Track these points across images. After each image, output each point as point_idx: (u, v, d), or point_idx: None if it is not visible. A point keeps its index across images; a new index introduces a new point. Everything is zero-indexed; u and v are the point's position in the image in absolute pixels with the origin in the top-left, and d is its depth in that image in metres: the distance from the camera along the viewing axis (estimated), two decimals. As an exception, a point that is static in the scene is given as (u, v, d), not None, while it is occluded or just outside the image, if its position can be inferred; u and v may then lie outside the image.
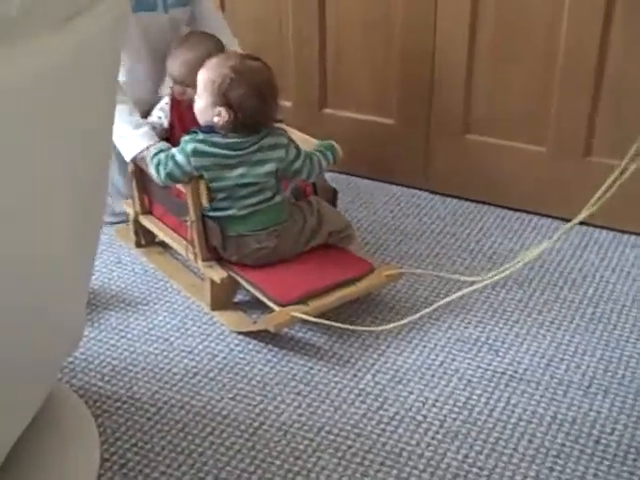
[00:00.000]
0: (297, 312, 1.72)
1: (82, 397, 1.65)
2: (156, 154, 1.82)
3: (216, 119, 1.77)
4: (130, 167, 2.01)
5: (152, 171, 1.82)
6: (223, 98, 1.75)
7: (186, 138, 1.79)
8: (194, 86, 1.88)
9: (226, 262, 1.87)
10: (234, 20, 2.35)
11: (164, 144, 1.88)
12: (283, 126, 1.88)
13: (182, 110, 2.01)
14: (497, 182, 2.32)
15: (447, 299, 1.79)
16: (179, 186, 1.85)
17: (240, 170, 1.79)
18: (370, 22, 2.31)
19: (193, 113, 1.98)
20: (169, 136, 2.01)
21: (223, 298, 1.90)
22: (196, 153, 1.76)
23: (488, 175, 2.32)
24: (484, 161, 2.32)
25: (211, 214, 1.83)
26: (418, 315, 1.79)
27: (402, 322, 1.77)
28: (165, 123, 2.01)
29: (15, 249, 1.10)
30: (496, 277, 1.81)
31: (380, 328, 1.77)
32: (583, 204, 1.79)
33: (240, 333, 1.83)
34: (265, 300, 1.79)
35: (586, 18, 2.02)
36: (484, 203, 2.35)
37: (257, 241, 1.82)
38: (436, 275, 1.98)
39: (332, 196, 2.01)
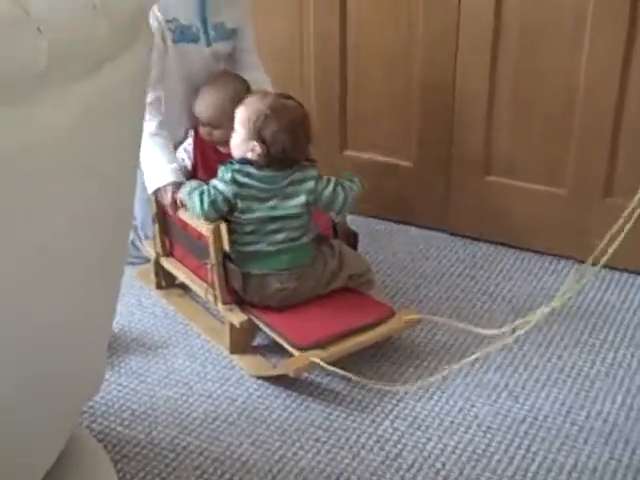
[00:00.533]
0: (316, 357, 1.72)
1: (101, 442, 1.66)
2: (194, 188, 1.86)
3: (250, 154, 1.82)
4: (152, 209, 2.04)
5: (194, 204, 1.84)
6: (257, 134, 1.81)
7: (222, 168, 1.84)
8: (222, 127, 1.91)
9: (246, 305, 1.88)
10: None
11: (198, 182, 1.90)
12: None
13: (206, 152, 2.03)
14: (517, 224, 2.32)
15: (472, 357, 1.71)
16: (200, 228, 1.87)
17: (271, 203, 1.83)
18: (390, 61, 2.33)
19: (217, 155, 2.01)
20: (192, 177, 2.02)
21: (242, 342, 1.91)
22: (234, 182, 1.82)
23: (507, 217, 2.33)
24: (504, 203, 2.32)
25: (237, 249, 1.85)
26: (440, 375, 1.76)
27: (429, 380, 1.76)
28: (189, 165, 2.03)
29: (37, 300, 1.12)
30: (518, 332, 1.73)
31: (402, 388, 1.76)
32: (605, 245, 1.78)
33: (259, 377, 1.83)
34: (284, 344, 1.80)
35: (605, 60, 2.03)
36: (503, 245, 2.35)
37: (279, 281, 1.84)
38: (457, 326, 1.95)
39: (353, 240, 2.02)
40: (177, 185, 1.93)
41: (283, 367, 1.76)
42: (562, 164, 2.19)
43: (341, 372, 1.73)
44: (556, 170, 2.21)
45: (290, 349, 1.78)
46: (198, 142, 2.04)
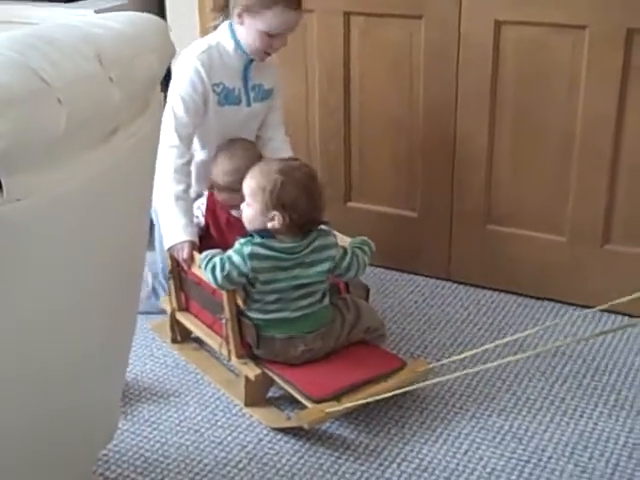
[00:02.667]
0: (330, 409, 1.75)
1: (116, 488, 1.70)
2: (210, 259, 1.86)
3: (270, 224, 1.82)
4: (168, 267, 2.10)
5: (208, 275, 1.85)
6: (277, 202, 1.80)
7: (242, 241, 1.83)
8: (227, 190, 1.99)
9: (260, 359, 1.91)
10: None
11: (216, 250, 1.90)
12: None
13: (217, 213, 2.10)
14: (518, 271, 2.37)
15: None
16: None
17: (294, 272, 1.84)
18: (392, 119, 2.42)
19: (228, 216, 2.07)
20: (204, 234, 2.08)
21: (257, 394, 1.94)
22: (253, 256, 1.81)
23: (509, 264, 2.38)
24: (505, 251, 2.38)
25: (260, 317, 1.87)
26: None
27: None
28: (202, 222, 2.09)
29: (55, 357, 1.18)
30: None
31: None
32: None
33: (274, 429, 1.86)
34: (298, 396, 1.83)
35: (600, 113, 2.11)
36: (506, 292, 2.40)
37: (304, 343, 1.86)
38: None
39: (365, 293, 2.06)
40: (193, 244, 1.99)
41: (298, 419, 1.79)
42: (561, 213, 2.26)
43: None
44: (555, 218, 2.28)
45: (304, 401, 1.81)
46: (210, 203, 2.10)
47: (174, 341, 2.20)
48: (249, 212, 1.86)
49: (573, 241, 2.27)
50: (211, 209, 2.10)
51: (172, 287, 2.13)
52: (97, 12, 2.65)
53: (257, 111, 2.18)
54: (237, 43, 2.06)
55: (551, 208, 2.28)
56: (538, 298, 2.36)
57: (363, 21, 2.38)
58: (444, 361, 1.92)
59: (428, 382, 1.80)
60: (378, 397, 1.79)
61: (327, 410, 1.76)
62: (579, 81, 2.12)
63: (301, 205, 1.81)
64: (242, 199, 1.89)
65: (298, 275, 1.85)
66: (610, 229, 2.22)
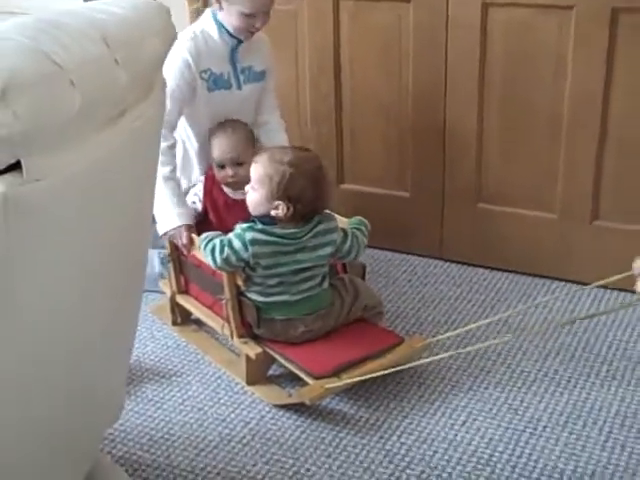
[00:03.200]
0: (330, 385, 1.79)
1: (123, 466, 1.74)
2: (210, 240, 1.89)
3: (274, 212, 1.84)
4: (166, 250, 2.13)
5: (207, 256, 1.88)
6: (283, 193, 1.82)
7: (244, 226, 1.86)
8: (245, 164, 2.02)
9: (260, 338, 1.95)
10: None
11: (216, 232, 1.93)
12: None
13: (215, 197, 2.13)
14: (509, 249, 2.42)
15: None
16: None
17: (295, 257, 1.87)
18: (382, 101, 2.45)
19: (225, 199, 2.10)
20: (202, 220, 2.12)
21: (258, 373, 1.98)
22: (255, 242, 1.84)
23: (501, 242, 2.43)
24: (496, 229, 2.43)
25: (261, 299, 1.90)
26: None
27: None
28: (199, 207, 2.13)
29: (69, 339, 1.22)
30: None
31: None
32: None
33: (276, 406, 1.90)
34: (299, 373, 1.87)
35: (586, 88, 2.16)
36: (498, 269, 2.45)
37: (304, 324, 1.90)
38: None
39: (362, 271, 2.10)
40: (189, 227, 2.03)
41: (299, 396, 1.83)
42: (550, 190, 2.31)
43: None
44: (545, 196, 2.32)
45: (305, 378, 1.85)
46: (207, 187, 2.13)
47: (174, 323, 2.24)
48: (254, 196, 1.88)
49: (563, 218, 2.32)
50: (209, 191, 2.13)
51: (171, 270, 2.16)
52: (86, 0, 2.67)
53: (249, 93, 2.20)
54: (220, 27, 2.09)
55: (541, 186, 2.33)
56: (529, 274, 2.40)
57: (352, 5, 2.41)
58: (440, 337, 1.97)
59: (426, 360, 1.84)
60: (377, 373, 1.83)
61: (327, 386, 1.80)
62: (566, 61, 2.16)
63: (307, 197, 1.83)
64: (247, 179, 1.92)
65: (300, 259, 1.88)
66: (598, 206, 2.27)
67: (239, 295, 1.94)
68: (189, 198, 2.15)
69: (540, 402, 1.87)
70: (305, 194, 1.84)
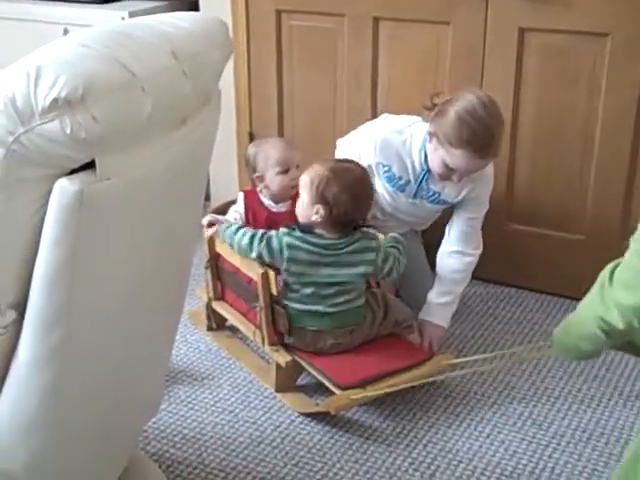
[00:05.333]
0: (355, 395, 1.83)
1: (156, 462, 1.80)
2: (239, 228, 1.97)
3: (314, 217, 1.89)
4: (205, 257, 2.18)
5: (243, 242, 1.94)
6: (321, 196, 1.88)
7: (284, 230, 1.92)
8: (294, 167, 2.10)
9: (291, 347, 1.99)
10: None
11: (248, 228, 2.01)
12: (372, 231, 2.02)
13: (256, 211, 2.16)
14: (537, 268, 2.47)
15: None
16: (251, 274, 1.99)
17: (330, 270, 1.90)
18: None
19: (267, 213, 2.15)
20: None
21: (287, 381, 2.02)
22: (291, 246, 1.89)
23: (528, 262, 2.47)
24: (524, 249, 2.47)
25: (297, 307, 1.94)
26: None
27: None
28: (240, 223, 2.14)
29: (128, 346, 1.29)
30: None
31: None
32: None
33: (302, 414, 1.95)
34: (326, 383, 1.91)
35: (618, 118, 2.21)
36: (524, 288, 2.49)
37: (334, 337, 1.94)
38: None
39: (394, 289, 2.13)
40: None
41: (325, 405, 1.88)
42: (580, 212, 2.35)
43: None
44: (574, 217, 2.37)
45: (332, 388, 1.88)
46: (248, 202, 2.16)
47: (210, 329, 2.28)
48: (299, 202, 1.94)
49: (591, 240, 2.36)
50: (250, 206, 2.16)
51: (209, 276, 2.21)
52: (131, 14, 2.75)
53: (420, 206, 2.21)
54: (423, 151, 2.11)
55: (570, 207, 2.37)
56: (554, 294, 2.45)
57: (392, 25, 2.47)
58: (469, 358, 1.99)
59: (452, 374, 1.89)
60: (402, 386, 1.87)
61: (353, 397, 1.83)
62: (600, 86, 2.21)
63: (342, 202, 1.87)
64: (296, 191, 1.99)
65: (333, 274, 1.91)
66: (628, 227, 2.31)
67: (272, 303, 1.98)
68: (229, 215, 2.18)
69: (564, 418, 1.91)
70: (340, 199, 1.87)
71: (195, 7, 2.77)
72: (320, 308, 1.94)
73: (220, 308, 2.23)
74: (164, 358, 1.62)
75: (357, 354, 1.97)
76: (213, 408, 1.98)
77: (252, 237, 1.94)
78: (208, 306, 2.26)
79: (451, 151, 1.98)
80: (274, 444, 1.85)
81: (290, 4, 2.60)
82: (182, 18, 1.29)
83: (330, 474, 1.75)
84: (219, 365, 2.15)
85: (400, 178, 2.16)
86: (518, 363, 2.02)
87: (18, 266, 1.09)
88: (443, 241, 2.21)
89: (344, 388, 1.86)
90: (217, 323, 2.28)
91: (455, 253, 2.17)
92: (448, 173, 2.04)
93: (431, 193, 2.17)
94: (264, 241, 1.92)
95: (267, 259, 1.93)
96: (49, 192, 1.04)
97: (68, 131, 0.97)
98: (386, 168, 2.16)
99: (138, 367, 1.43)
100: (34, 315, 1.11)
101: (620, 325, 1.15)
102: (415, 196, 2.19)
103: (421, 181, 2.15)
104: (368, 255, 1.93)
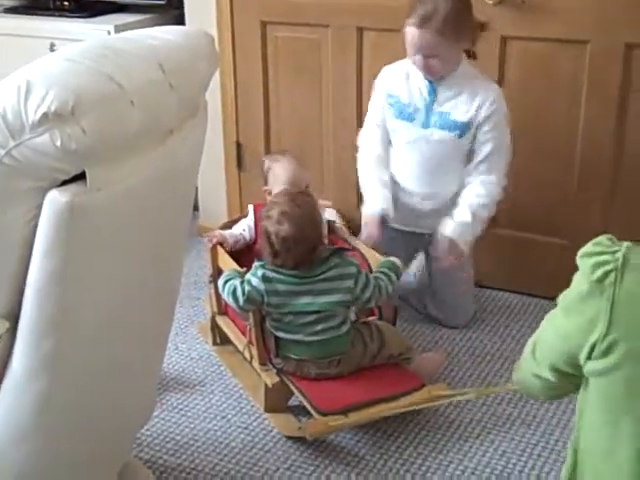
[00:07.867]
0: (333, 422, 1.79)
1: (149, 469, 1.82)
2: (227, 280, 1.92)
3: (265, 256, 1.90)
4: (209, 272, 2.19)
5: (228, 298, 1.91)
6: (269, 245, 1.87)
7: (257, 264, 1.90)
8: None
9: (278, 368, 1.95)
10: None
11: (232, 272, 1.96)
12: (357, 242, 2.03)
13: None
14: (535, 275, 2.50)
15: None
16: None
17: (306, 299, 1.86)
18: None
19: None
20: (247, 249, 2.17)
21: (277, 401, 1.98)
22: (265, 279, 1.86)
23: (527, 269, 2.51)
24: (510, 253, 2.51)
25: (280, 335, 1.91)
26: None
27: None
28: (247, 237, 2.17)
29: (120, 355, 1.31)
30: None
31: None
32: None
33: (287, 437, 1.91)
34: (308, 407, 1.87)
35: (599, 124, 2.26)
36: (511, 291, 2.52)
37: (318, 367, 1.90)
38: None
39: (393, 313, 2.09)
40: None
41: (302, 430, 1.84)
42: (563, 216, 2.39)
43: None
44: (557, 221, 2.41)
45: (313, 412, 1.85)
46: (258, 216, 2.10)
47: (214, 343, 2.27)
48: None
49: (573, 244, 2.39)
50: (260, 224, 2.10)
51: (212, 291, 2.20)
52: (117, 28, 2.78)
53: (435, 139, 2.19)
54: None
55: (553, 212, 2.41)
56: (540, 297, 2.48)
57: (375, 35, 2.51)
58: (463, 391, 1.96)
59: (437, 403, 1.89)
60: (385, 414, 1.83)
61: (331, 423, 1.79)
62: (581, 92, 2.25)
63: (288, 252, 1.85)
64: None
65: (309, 302, 1.86)
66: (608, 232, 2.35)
67: (263, 323, 1.94)
68: (240, 226, 2.20)
69: (552, 417, 1.94)
70: (285, 248, 1.85)
71: (181, 20, 2.80)
72: (299, 337, 1.89)
73: (222, 323, 2.21)
74: (156, 365, 1.65)
75: (346, 380, 1.92)
76: (205, 414, 2.00)
77: (234, 292, 1.89)
78: (212, 320, 2.25)
79: (406, 30, 2.09)
80: (266, 448, 1.88)
81: (275, 16, 2.64)
82: (168, 31, 1.32)
83: (322, 477, 1.78)
84: (211, 372, 2.18)
85: (409, 105, 2.21)
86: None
87: (10, 276, 1.12)
88: (465, 177, 2.23)
89: (324, 414, 1.82)
90: (221, 338, 2.26)
91: (479, 181, 2.19)
92: (423, 63, 2.11)
93: (441, 115, 2.19)
94: (245, 287, 1.87)
95: (258, 299, 1.87)
96: (41, 204, 1.07)
97: (58, 144, 1.00)
98: (395, 99, 2.21)
99: (130, 375, 1.45)
100: (26, 325, 1.14)
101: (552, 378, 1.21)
102: (426, 125, 2.20)
103: (428, 104, 2.19)
104: (345, 282, 1.88)
